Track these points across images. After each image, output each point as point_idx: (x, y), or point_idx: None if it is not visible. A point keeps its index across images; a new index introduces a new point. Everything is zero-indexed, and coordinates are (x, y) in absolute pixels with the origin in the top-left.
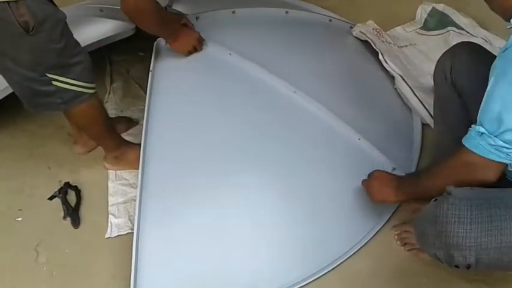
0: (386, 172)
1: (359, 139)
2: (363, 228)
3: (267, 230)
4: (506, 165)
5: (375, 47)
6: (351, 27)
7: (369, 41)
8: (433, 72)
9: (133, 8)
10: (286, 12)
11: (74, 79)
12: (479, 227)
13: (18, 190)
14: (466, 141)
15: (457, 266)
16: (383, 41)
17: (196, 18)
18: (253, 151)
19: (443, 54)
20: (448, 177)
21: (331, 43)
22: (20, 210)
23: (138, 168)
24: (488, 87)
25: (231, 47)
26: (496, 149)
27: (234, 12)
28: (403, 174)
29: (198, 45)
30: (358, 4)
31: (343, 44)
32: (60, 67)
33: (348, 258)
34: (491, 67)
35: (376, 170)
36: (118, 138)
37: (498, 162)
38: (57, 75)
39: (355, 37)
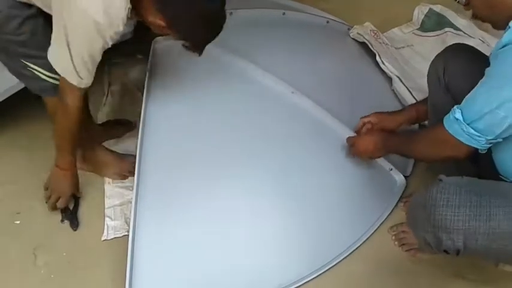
0: (374, 133)
1: None
2: (359, 228)
3: (263, 231)
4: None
5: (372, 49)
6: (348, 29)
7: (366, 42)
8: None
9: (59, 98)
10: (284, 13)
11: (47, 71)
12: (467, 211)
13: (17, 193)
14: (445, 121)
15: (446, 252)
16: (380, 43)
17: None
18: (250, 153)
19: (437, 56)
20: (425, 146)
21: (329, 44)
22: (18, 213)
23: (101, 174)
24: (482, 78)
25: (228, 47)
26: (467, 135)
27: (231, 13)
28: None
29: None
30: (355, 6)
31: (341, 45)
32: (27, 56)
33: (345, 258)
34: (490, 59)
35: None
36: (87, 140)
37: (468, 146)
38: (29, 63)
39: (353, 38)
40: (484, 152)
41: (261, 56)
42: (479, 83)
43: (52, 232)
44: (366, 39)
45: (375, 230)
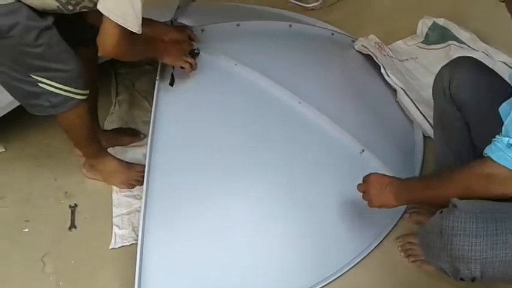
0: (383, 174)
1: (362, 150)
2: (365, 239)
3: (268, 242)
4: None
5: (377, 61)
6: (353, 41)
7: (371, 54)
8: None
9: (115, 52)
10: (290, 25)
11: (61, 83)
12: (484, 240)
13: (25, 201)
14: (491, 153)
15: (462, 279)
16: (385, 55)
17: (202, 30)
18: (257, 162)
19: (442, 68)
20: (461, 187)
21: (334, 56)
22: (26, 221)
23: (108, 182)
24: None
25: (236, 57)
26: None
27: (238, 25)
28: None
29: (187, 48)
30: (360, 19)
31: (346, 57)
32: (42, 70)
33: (351, 268)
34: None
35: (372, 174)
36: (97, 148)
37: None
38: (42, 77)
39: (357, 51)
40: None
41: (268, 67)
42: None
43: (60, 240)
44: (371, 52)
45: (381, 241)
